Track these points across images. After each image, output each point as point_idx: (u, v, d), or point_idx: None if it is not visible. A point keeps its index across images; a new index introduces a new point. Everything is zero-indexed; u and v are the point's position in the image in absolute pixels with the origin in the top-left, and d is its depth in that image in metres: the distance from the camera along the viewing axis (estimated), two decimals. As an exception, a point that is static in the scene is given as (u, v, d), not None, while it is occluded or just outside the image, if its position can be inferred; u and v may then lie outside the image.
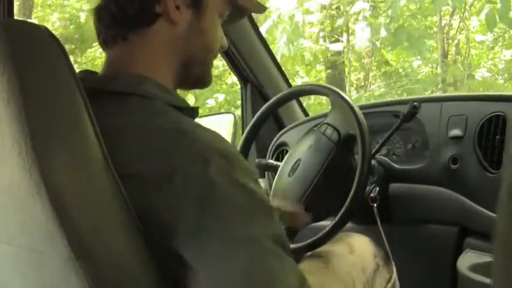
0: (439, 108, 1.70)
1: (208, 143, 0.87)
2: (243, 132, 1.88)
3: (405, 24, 6.12)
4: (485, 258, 1.50)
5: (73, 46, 6.71)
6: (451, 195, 1.66)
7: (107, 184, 0.79)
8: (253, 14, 2.11)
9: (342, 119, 1.58)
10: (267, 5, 5.70)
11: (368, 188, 1.60)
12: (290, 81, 2.38)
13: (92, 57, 6.71)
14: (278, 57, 5.35)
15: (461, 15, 6.85)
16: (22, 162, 0.70)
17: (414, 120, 1.62)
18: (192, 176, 0.82)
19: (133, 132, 0.88)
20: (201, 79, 1.12)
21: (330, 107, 1.70)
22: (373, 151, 1.62)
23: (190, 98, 5.59)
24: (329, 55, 6.95)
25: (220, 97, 5.67)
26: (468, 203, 1.61)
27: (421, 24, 6.56)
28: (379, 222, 1.58)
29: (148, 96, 0.95)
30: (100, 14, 1.04)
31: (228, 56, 2.17)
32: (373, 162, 1.72)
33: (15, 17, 1.95)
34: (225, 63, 2.39)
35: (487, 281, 1.36)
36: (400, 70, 7.51)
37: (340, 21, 6.42)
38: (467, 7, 6.68)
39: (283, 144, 2.15)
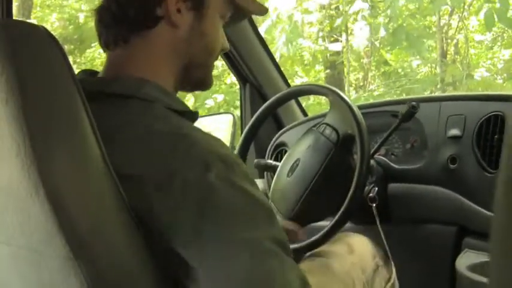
0: (438, 108, 1.71)
1: (207, 147, 0.87)
2: (242, 133, 1.88)
3: (404, 24, 6.12)
4: (484, 258, 1.50)
5: (72, 46, 6.71)
6: (450, 195, 1.66)
7: (106, 184, 0.79)
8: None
9: (341, 119, 1.58)
10: (266, 4, 5.70)
11: (367, 188, 1.61)
12: (289, 81, 2.39)
13: (91, 58, 6.71)
14: (277, 57, 5.35)
15: (460, 14, 6.85)
16: (21, 162, 0.70)
17: (413, 120, 1.62)
18: (191, 179, 0.82)
19: (133, 134, 0.88)
20: (202, 81, 1.12)
21: (328, 107, 1.70)
22: (372, 151, 1.62)
23: (190, 99, 5.59)
24: (328, 55, 6.95)
25: (219, 97, 5.67)
26: (467, 202, 1.61)
27: (420, 24, 6.56)
28: (378, 222, 1.58)
29: (149, 99, 0.95)
30: (101, 16, 1.04)
31: (227, 56, 2.17)
32: (372, 162, 1.72)
33: (14, 18, 1.95)
34: (224, 64, 2.40)
35: (486, 280, 1.36)
36: (399, 70, 7.51)
37: (339, 21, 6.42)
38: (466, 7, 6.68)
39: (282, 144, 2.15)
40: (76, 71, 0.83)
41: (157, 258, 0.83)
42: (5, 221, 0.78)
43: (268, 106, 1.82)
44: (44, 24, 0.90)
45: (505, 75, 7.01)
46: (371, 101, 5.36)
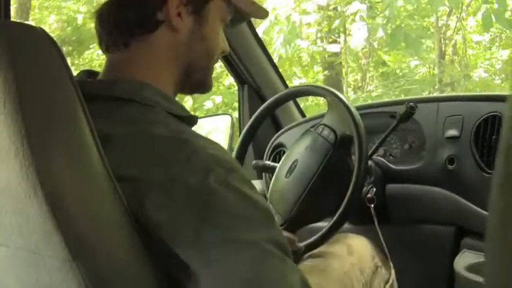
0: (436, 108, 1.71)
1: (207, 153, 0.87)
2: (240, 134, 1.88)
3: (402, 25, 6.13)
4: (482, 258, 1.50)
5: (70, 48, 6.71)
6: (448, 196, 1.66)
7: (104, 185, 0.79)
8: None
9: (339, 120, 1.59)
10: (265, 5, 5.71)
11: (365, 188, 1.61)
12: (287, 82, 2.39)
13: (89, 59, 6.71)
14: (275, 58, 5.36)
15: (458, 15, 6.86)
16: (19, 163, 0.70)
17: (411, 120, 1.62)
18: (193, 185, 0.82)
19: (131, 136, 0.88)
20: (202, 84, 1.12)
21: (326, 108, 1.70)
22: (370, 152, 1.62)
23: (188, 100, 5.59)
24: (326, 56, 6.95)
25: (218, 99, 5.66)
26: (465, 203, 1.62)
27: (418, 25, 6.56)
28: (376, 223, 1.58)
29: (149, 104, 0.95)
30: (102, 19, 1.04)
31: (225, 57, 2.16)
32: (370, 163, 1.72)
33: (12, 19, 1.95)
34: (222, 65, 2.40)
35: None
36: (398, 71, 7.52)
37: (337, 23, 6.42)
38: (464, 7, 6.69)
39: (280, 145, 2.15)
40: (74, 73, 0.83)
41: (157, 259, 0.83)
42: (3, 222, 0.78)
43: (266, 107, 1.82)
44: (42, 26, 0.90)
45: (503, 75, 7.02)
46: (369, 101, 5.36)
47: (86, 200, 0.76)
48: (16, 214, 0.75)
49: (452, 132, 1.63)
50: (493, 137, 1.54)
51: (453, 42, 7.42)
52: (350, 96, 7.18)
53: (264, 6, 5.31)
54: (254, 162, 1.94)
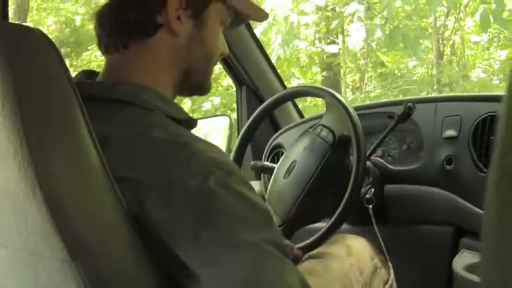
0: (434, 108, 1.71)
1: (207, 156, 0.87)
2: (238, 135, 1.88)
3: (400, 26, 6.13)
4: (481, 258, 1.51)
5: (69, 49, 6.71)
6: (446, 196, 1.66)
7: (103, 186, 0.79)
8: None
9: (337, 121, 1.59)
10: (263, 6, 5.71)
11: (363, 189, 1.61)
12: (286, 83, 2.39)
13: (87, 61, 6.70)
14: (273, 59, 5.36)
15: (456, 16, 6.86)
16: (18, 164, 0.70)
17: (409, 121, 1.63)
18: (192, 188, 0.82)
19: (130, 139, 0.89)
20: (201, 86, 1.12)
21: (325, 109, 1.70)
22: (368, 152, 1.63)
23: (187, 102, 5.58)
24: (324, 57, 6.95)
25: (216, 100, 5.66)
26: (463, 203, 1.62)
27: (416, 26, 6.57)
28: (374, 223, 1.58)
29: (149, 107, 0.95)
30: (102, 20, 1.04)
31: (223, 58, 2.16)
32: (368, 163, 1.72)
33: (10, 21, 1.95)
34: (221, 66, 2.40)
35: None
36: (396, 71, 7.52)
37: (335, 23, 6.42)
38: (462, 8, 6.70)
39: (279, 146, 2.15)
40: (73, 74, 0.83)
41: (157, 260, 0.83)
42: (2, 223, 0.78)
43: (264, 108, 1.82)
44: (41, 27, 0.90)
45: (501, 76, 7.02)
46: (367, 102, 5.37)
47: (85, 200, 0.76)
48: (15, 215, 0.75)
49: (450, 132, 1.64)
50: (491, 137, 1.54)
51: (451, 42, 7.43)
52: (348, 97, 7.18)
53: (262, 7, 5.32)
54: (252, 163, 1.94)
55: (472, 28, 7.33)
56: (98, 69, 1.07)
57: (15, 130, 0.70)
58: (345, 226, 1.56)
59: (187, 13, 1.02)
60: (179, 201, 0.82)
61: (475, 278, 1.43)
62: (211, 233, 0.81)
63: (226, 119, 2.07)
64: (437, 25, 7.08)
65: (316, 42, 6.94)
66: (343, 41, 6.87)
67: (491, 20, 5.33)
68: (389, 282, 1.46)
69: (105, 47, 1.04)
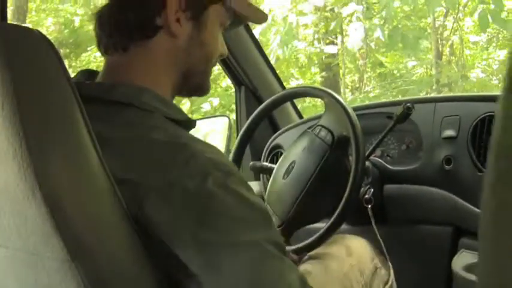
0: (433, 109, 1.71)
1: (205, 157, 0.87)
2: (237, 135, 1.88)
3: (399, 26, 6.13)
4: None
5: (68, 50, 6.70)
6: (445, 196, 1.66)
7: (103, 186, 0.79)
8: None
9: (336, 121, 1.59)
10: (262, 6, 5.71)
11: (362, 189, 1.61)
12: (285, 83, 2.39)
13: (86, 61, 6.70)
14: (272, 60, 5.35)
15: (455, 16, 6.87)
16: (17, 165, 0.70)
17: (408, 121, 1.63)
18: (191, 189, 0.82)
19: (130, 140, 0.89)
20: (200, 87, 1.12)
21: (324, 109, 1.70)
22: (367, 152, 1.63)
23: (186, 103, 5.58)
24: (323, 57, 6.95)
25: (215, 101, 5.66)
26: (462, 203, 1.62)
27: (415, 26, 6.57)
28: (373, 224, 1.58)
29: (148, 109, 0.95)
30: (102, 21, 1.04)
31: (222, 59, 2.16)
32: (367, 163, 1.72)
33: (9, 22, 1.95)
34: (219, 67, 2.39)
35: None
36: (395, 71, 7.52)
37: (334, 24, 6.42)
38: (460, 8, 6.70)
39: (278, 146, 2.15)
40: (72, 75, 0.83)
41: (157, 260, 0.83)
42: (2, 224, 0.78)
43: (263, 108, 1.82)
44: (40, 29, 0.90)
45: (500, 76, 7.01)
46: (366, 102, 5.36)
47: (84, 201, 0.76)
48: (14, 215, 0.75)
49: (449, 132, 1.64)
50: (490, 137, 1.54)
51: (450, 42, 7.43)
52: (347, 97, 7.18)
53: (261, 7, 5.32)
54: (251, 163, 1.94)
55: (471, 28, 7.33)
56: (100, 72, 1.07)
57: (15, 131, 0.70)
58: (344, 226, 1.56)
59: (186, 15, 1.02)
60: (178, 202, 0.82)
61: (474, 277, 1.43)
62: (211, 234, 0.81)
63: (225, 119, 2.07)
64: (436, 25, 7.09)
65: (315, 42, 6.94)
66: (342, 42, 6.87)
67: (490, 20, 5.34)
68: (390, 283, 1.46)
69: (105, 47, 1.04)
